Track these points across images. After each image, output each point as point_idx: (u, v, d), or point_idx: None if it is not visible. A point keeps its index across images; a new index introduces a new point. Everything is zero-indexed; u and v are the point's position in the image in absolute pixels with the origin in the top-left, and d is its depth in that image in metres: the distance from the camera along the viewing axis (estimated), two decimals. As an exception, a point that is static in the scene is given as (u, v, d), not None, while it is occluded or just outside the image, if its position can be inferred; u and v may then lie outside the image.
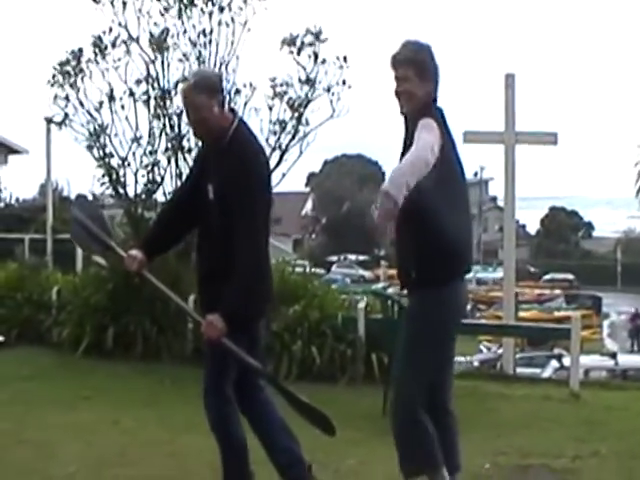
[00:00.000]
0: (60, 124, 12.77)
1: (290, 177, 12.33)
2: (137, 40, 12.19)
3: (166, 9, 12.15)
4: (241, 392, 5.35)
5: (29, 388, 9.91)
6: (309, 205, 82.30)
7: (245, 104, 12.09)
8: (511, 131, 13.40)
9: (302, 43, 12.07)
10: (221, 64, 12.06)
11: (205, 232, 5.33)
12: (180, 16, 12.13)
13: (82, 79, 12.31)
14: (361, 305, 10.96)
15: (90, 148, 12.51)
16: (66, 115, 12.54)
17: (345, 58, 12.02)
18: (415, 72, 5.03)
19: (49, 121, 13.03)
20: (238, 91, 12.15)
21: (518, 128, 13.52)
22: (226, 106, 5.41)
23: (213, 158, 5.28)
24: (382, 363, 10.20)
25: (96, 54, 12.19)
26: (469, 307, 43.61)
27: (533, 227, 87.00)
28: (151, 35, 12.15)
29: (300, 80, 12.14)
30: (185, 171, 12.22)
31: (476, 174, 77.12)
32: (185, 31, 12.17)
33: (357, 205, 74.07)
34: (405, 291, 5.29)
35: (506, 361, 13.88)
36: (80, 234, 5.70)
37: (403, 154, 4.97)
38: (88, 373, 10.76)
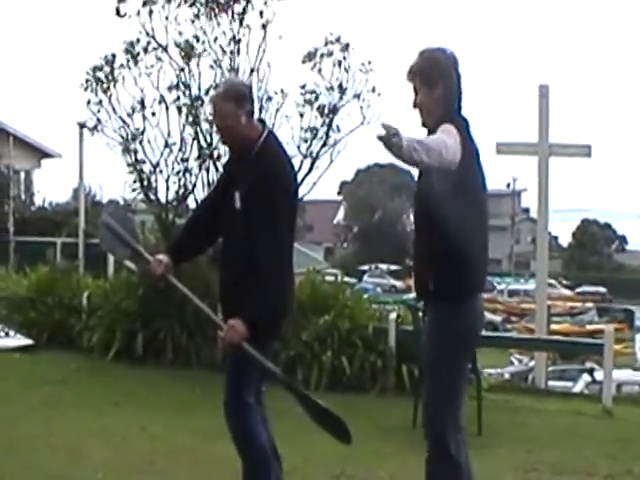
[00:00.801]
0: (93, 129, 12.79)
1: (322, 185, 12.32)
2: (166, 48, 12.20)
3: (196, 16, 12.14)
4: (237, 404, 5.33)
5: (59, 392, 9.91)
6: (341, 213, 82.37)
7: (277, 111, 12.07)
8: (545, 143, 13.27)
9: (322, 55, 12.06)
10: (252, 71, 12.03)
11: (230, 240, 5.34)
12: (210, 20, 12.10)
13: (115, 85, 12.32)
14: (392, 316, 10.87)
15: (123, 153, 12.52)
16: (99, 120, 12.55)
17: (370, 63, 12.00)
18: (422, 82, 4.95)
19: (82, 126, 13.08)
20: (270, 98, 12.12)
21: (552, 140, 13.40)
22: (255, 116, 5.40)
23: (241, 168, 5.28)
24: (413, 374, 10.13)
25: (128, 60, 12.20)
26: (500, 319, 43.59)
27: (565, 239, 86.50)
28: (176, 45, 12.14)
29: (327, 88, 12.11)
30: (216, 178, 12.23)
31: (509, 185, 76.83)
32: (216, 38, 12.16)
33: (389, 214, 74.03)
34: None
35: (538, 375, 13.74)
36: (108, 239, 5.73)
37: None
38: (118, 378, 10.77)
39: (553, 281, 61.92)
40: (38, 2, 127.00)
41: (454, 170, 4.63)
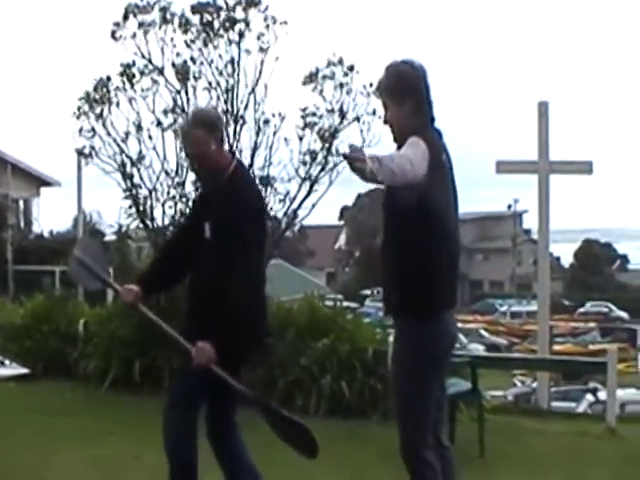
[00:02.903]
0: (87, 156, 12.67)
1: (323, 211, 12.24)
2: (162, 71, 12.11)
3: (192, 40, 12.06)
4: (217, 428, 5.46)
5: (54, 422, 9.74)
6: (342, 239, 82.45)
7: (274, 133, 11.97)
8: (545, 160, 13.19)
9: (324, 77, 11.95)
10: (249, 94, 11.93)
11: (199, 270, 5.35)
12: (206, 45, 12.02)
13: (109, 108, 12.23)
14: (392, 338, 10.69)
15: (120, 178, 12.42)
16: (92, 147, 12.46)
17: (371, 85, 11.89)
18: (389, 97, 4.89)
19: (80, 153, 12.95)
20: (267, 121, 12.02)
21: (552, 157, 13.31)
22: (226, 147, 5.52)
23: (211, 198, 5.34)
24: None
25: (124, 83, 12.11)
26: (505, 342, 43.46)
27: (567, 260, 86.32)
28: (173, 65, 12.05)
29: (328, 110, 12.00)
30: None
31: (510, 207, 76.80)
32: (212, 61, 12.07)
33: (390, 238, 73.73)
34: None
35: (541, 395, 13.60)
36: (77, 271, 5.84)
37: None
38: (114, 407, 10.61)
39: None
40: (35, 30, 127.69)
41: (420, 184, 4.53)
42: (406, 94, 4.81)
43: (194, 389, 5.27)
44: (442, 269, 4.77)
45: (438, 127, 4.94)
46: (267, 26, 11.84)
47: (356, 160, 4.11)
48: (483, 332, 45.64)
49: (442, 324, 4.87)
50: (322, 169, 12.07)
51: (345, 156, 4.13)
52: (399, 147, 4.80)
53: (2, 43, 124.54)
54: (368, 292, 68.26)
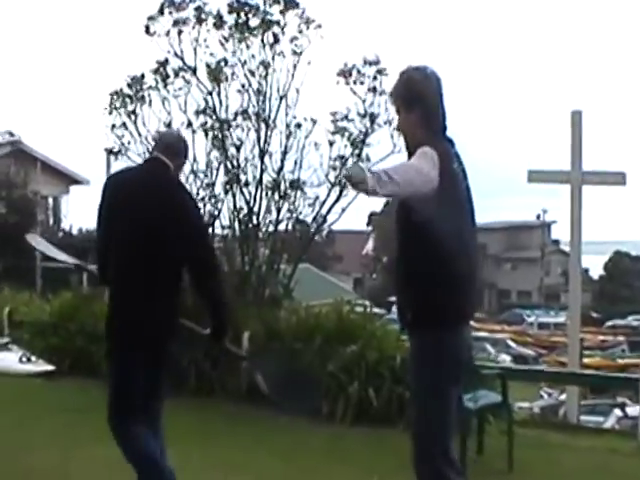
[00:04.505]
0: (116, 154, 12.63)
1: (352, 216, 12.14)
2: (194, 71, 12.06)
3: (225, 38, 12.00)
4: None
5: (77, 421, 9.66)
6: (370, 244, 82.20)
7: (305, 137, 11.89)
8: (578, 170, 13.04)
9: (358, 72, 11.84)
10: (281, 97, 11.86)
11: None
12: (240, 43, 11.95)
13: (141, 106, 12.18)
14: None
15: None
16: (122, 145, 12.41)
17: None
18: (400, 105, 4.84)
19: (109, 152, 12.92)
20: (299, 125, 11.95)
21: (585, 167, 13.15)
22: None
23: None
24: (441, 407, 9.82)
25: (157, 82, 12.07)
26: (533, 354, 43.08)
27: (596, 271, 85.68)
28: (207, 66, 12.00)
29: (359, 114, 11.90)
30: (241, 204, 12.05)
31: (539, 217, 76.42)
32: (245, 62, 12.01)
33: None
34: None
35: (570, 409, 13.42)
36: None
37: None
38: (137, 407, 10.52)
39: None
40: (67, 26, 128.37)
41: (432, 195, 4.45)
42: (415, 101, 4.75)
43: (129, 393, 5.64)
44: (457, 280, 4.67)
45: (450, 136, 4.87)
46: (300, 31, 11.77)
47: (356, 179, 4.11)
48: (510, 342, 45.28)
49: (459, 337, 4.77)
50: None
51: (346, 176, 4.16)
52: (410, 155, 4.74)
53: (33, 40, 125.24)
54: (394, 299, 67.99)
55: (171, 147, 5.72)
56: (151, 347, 5.55)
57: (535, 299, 77.35)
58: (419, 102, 4.74)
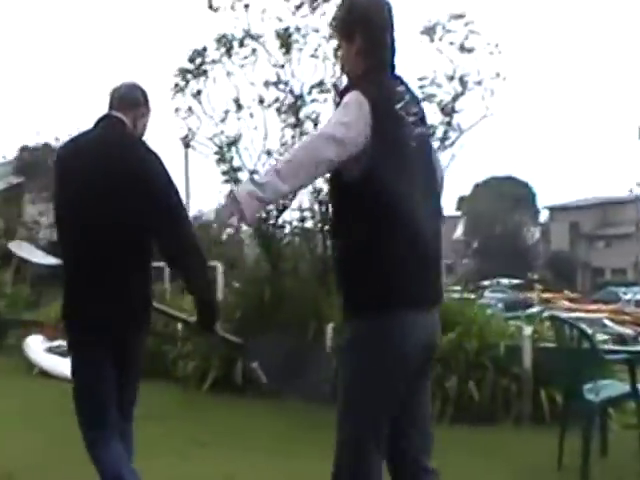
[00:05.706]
0: (184, 139, 11.81)
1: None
2: (263, 43, 11.14)
3: (297, 7, 11.05)
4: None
5: (142, 429, 8.72)
6: (460, 229, 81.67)
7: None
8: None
9: (444, 29, 10.81)
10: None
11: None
12: (313, 12, 11.03)
13: (205, 82, 11.29)
14: (527, 332, 9.36)
15: (217, 163, 11.49)
16: (189, 129, 11.58)
17: (497, 45, 10.74)
18: (340, 34, 3.99)
19: (186, 145, 12.11)
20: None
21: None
22: None
23: None
24: (554, 400, 8.68)
25: (221, 54, 11.18)
26: (632, 333, 41.39)
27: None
28: (277, 34, 11.06)
29: (447, 76, 10.85)
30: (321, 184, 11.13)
31: (631, 191, 74.32)
32: (318, 30, 11.05)
33: (509, 228, 72.91)
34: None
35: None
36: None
37: None
38: (210, 412, 9.69)
39: None
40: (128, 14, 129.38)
41: (364, 148, 3.57)
42: (357, 27, 3.85)
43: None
44: (398, 258, 3.66)
45: (399, 74, 3.92)
46: None
47: (224, 216, 3.57)
48: (607, 322, 43.60)
49: (408, 324, 3.68)
50: (441, 144, 10.91)
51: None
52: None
53: (90, 25, 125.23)
54: (487, 283, 66.83)
55: (125, 98, 4.73)
56: (117, 341, 4.67)
57: (630, 277, 75.33)
58: (362, 28, 3.85)
